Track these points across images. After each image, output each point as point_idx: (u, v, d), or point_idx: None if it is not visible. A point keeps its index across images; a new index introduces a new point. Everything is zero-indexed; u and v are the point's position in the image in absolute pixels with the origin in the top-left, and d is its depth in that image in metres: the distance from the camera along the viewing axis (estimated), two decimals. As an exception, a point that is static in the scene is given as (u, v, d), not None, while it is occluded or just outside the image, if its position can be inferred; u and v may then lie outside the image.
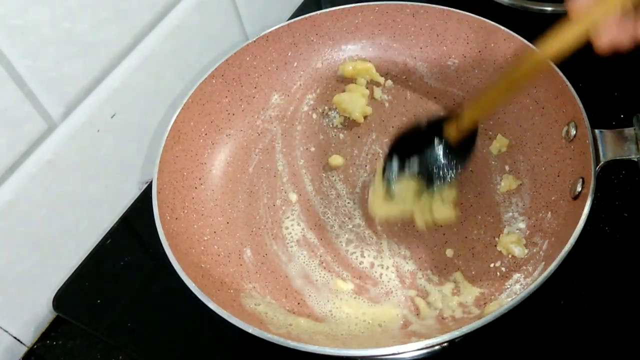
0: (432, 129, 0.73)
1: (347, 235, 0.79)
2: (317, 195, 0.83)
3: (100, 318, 0.77)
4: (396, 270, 0.75)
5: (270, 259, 0.77)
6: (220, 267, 0.75)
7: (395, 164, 0.74)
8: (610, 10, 0.56)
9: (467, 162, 0.75)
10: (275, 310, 0.71)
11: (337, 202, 0.82)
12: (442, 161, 0.73)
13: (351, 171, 0.85)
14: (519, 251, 0.72)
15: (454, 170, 0.73)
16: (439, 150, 0.73)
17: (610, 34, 0.56)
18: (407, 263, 0.75)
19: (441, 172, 0.73)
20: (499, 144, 0.82)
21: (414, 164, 0.74)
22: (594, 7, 0.57)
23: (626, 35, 0.56)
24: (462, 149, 0.73)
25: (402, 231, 0.78)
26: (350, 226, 0.80)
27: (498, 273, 0.72)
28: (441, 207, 0.75)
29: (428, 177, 0.73)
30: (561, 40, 0.59)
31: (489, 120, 0.84)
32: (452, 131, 0.71)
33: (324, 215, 0.81)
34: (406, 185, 0.74)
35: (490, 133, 0.84)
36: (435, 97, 0.90)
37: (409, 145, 0.74)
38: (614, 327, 0.68)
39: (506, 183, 0.79)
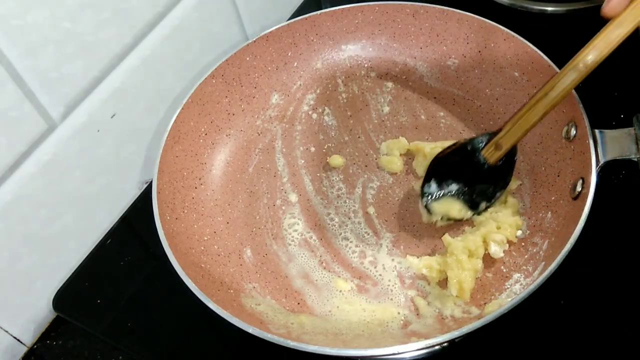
0: (471, 151, 0.75)
1: (347, 235, 0.79)
2: (317, 195, 0.83)
3: (100, 318, 0.77)
4: (396, 270, 0.75)
5: (270, 259, 0.77)
6: (220, 267, 0.75)
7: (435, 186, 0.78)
8: None
9: (509, 179, 0.76)
10: (275, 310, 0.71)
11: (337, 202, 0.82)
12: (485, 183, 0.76)
13: (351, 171, 0.85)
14: (494, 250, 0.72)
15: (498, 189, 0.76)
16: (480, 172, 0.75)
17: None
18: (407, 263, 0.75)
19: (484, 194, 0.76)
20: None
21: (454, 186, 0.77)
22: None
23: None
24: (503, 168, 0.75)
25: (402, 231, 0.78)
26: (351, 226, 0.80)
27: (498, 273, 0.72)
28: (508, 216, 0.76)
29: (472, 201, 0.76)
30: (601, 46, 0.61)
31: (489, 121, 0.85)
32: (491, 152, 0.74)
33: (324, 215, 0.81)
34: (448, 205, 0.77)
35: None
36: (435, 97, 0.90)
37: (449, 169, 0.77)
38: (614, 327, 0.68)
39: (507, 183, 0.79)
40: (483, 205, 0.76)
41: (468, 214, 0.76)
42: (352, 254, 0.77)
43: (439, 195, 0.77)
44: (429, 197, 0.77)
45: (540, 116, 0.69)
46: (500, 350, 0.69)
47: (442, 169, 0.78)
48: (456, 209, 0.76)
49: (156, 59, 0.83)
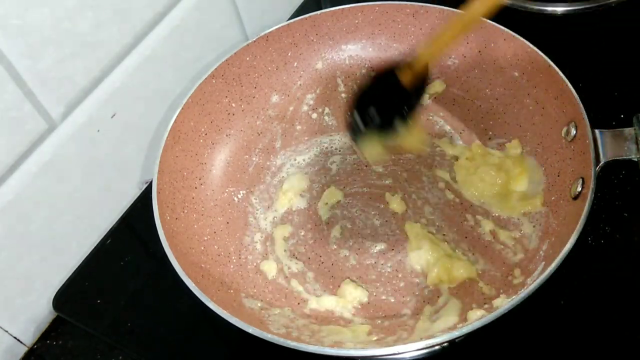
0: (387, 77, 0.72)
1: (348, 235, 0.79)
2: (317, 196, 0.83)
3: (101, 318, 0.77)
4: (398, 269, 0.75)
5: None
6: (220, 267, 0.75)
7: (358, 117, 0.73)
8: None
9: (421, 101, 0.73)
10: (275, 310, 0.71)
11: (338, 203, 0.82)
12: (401, 104, 0.72)
13: (350, 170, 0.85)
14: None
15: (411, 111, 0.72)
16: (397, 95, 0.72)
17: None
18: (410, 261, 0.75)
19: (401, 114, 0.72)
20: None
21: (375, 114, 0.73)
22: None
23: None
24: (416, 90, 0.72)
25: (402, 232, 0.78)
26: (351, 227, 0.80)
27: (497, 273, 0.72)
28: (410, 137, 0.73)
29: (390, 122, 0.72)
30: None
31: (489, 121, 0.85)
32: (407, 76, 0.70)
33: (324, 216, 0.81)
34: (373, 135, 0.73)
35: (491, 133, 0.84)
36: (435, 97, 0.90)
37: (369, 97, 0.74)
38: (614, 327, 0.68)
39: (507, 183, 0.79)
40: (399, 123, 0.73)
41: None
42: (354, 254, 0.77)
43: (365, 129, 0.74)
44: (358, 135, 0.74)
45: (452, 37, 0.68)
46: (500, 350, 0.69)
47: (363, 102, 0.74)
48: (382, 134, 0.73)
49: (156, 59, 0.82)
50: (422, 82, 0.72)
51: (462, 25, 0.66)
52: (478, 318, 0.59)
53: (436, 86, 0.89)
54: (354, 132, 0.73)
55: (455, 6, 0.85)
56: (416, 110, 0.72)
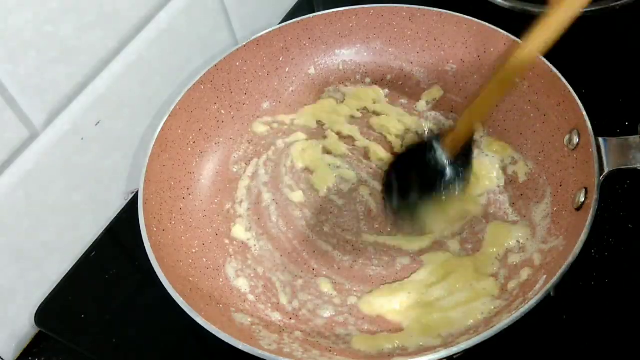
0: (428, 148, 0.72)
1: (343, 246, 0.77)
2: (311, 207, 0.81)
3: (85, 333, 0.76)
4: (397, 281, 0.73)
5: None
6: (209, 280, 0.74)
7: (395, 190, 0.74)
8: None
9: (469, 172, 0.73)
10: (266, 325, 0.70)
11: (333, 212, 0.80)
12: (447, 176, 0.72)
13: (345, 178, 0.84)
14: None
15: (460, 182, 0.72)
16: (440, 166, 0.72)
17: None
18: (410, 270, 0.74)
19: (447, 187, 0.72)
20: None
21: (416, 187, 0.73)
22: None
23: None
24: (462, 159, 0.72)
25: (398, 239, 0.77)
26: (345, 236, 0.78)
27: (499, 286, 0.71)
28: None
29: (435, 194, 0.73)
30: (546, 30, 0.61)
31: (489, 128, 0.84)
32: (449, 144, 0.71)
33: (318, 226, 0.79)
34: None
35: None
36: (432, 104, 0.89)
37: (409, 169, 0.74)
38: (618, 342, 0.67)
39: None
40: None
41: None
42: (351, 266, 0.75)
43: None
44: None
45: (491, 100, 0.69)
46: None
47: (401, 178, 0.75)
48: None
49: (142, 64, 0.82)
50: (467, 152, 0.72)
51: (503, 81, 0.66)
52: (478, 333, 0.58)
53: (434, 92, 0.89)
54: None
55: (454, 9, 0.86)
56: (466, 178, 0.73)
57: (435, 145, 0.71)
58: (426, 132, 0.75)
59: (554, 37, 0.61)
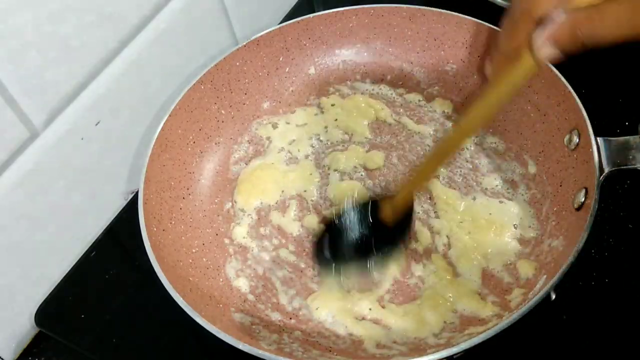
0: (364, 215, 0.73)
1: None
2: (308, 206, 0.81)
3: (85, 333, 0.76)
4: (395, 283, 0.73)
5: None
6: (209, 280, 0.74)
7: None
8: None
9: (407, 238, 0.73)
10: (266, 325, 0.70)
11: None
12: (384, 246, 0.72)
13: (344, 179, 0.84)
14: None
15: (396, 247, 0.72)
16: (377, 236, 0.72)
17: None
18: (409, 276, 0.74)
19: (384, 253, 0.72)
20: None
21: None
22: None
23: None
24: (401, 226, 0.72)
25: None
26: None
27: (498, 287, 0.71)
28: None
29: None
30: (484, 107, 0.62)
31: (489, 129, 0.84)
32: (388, 212, 0.71)
33: (314, 227, 0.79)
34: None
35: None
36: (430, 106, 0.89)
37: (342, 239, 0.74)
38: (619, 342, 0.67)
39: (507, 193, 0.78)
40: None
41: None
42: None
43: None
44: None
45: (429, 172, 0.70)
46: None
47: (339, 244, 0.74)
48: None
49: (142, 64, 0.82)
50: (407, 219, 0.72)
51: (439, 158, 0.69)
52: (478, 333, 0.58)
53: (444, 106, 0.88)
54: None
55: (454, 9, 0.86)
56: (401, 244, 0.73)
57: (373, 210, 0.72)
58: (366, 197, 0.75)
59: (492, 113, 0.62)
